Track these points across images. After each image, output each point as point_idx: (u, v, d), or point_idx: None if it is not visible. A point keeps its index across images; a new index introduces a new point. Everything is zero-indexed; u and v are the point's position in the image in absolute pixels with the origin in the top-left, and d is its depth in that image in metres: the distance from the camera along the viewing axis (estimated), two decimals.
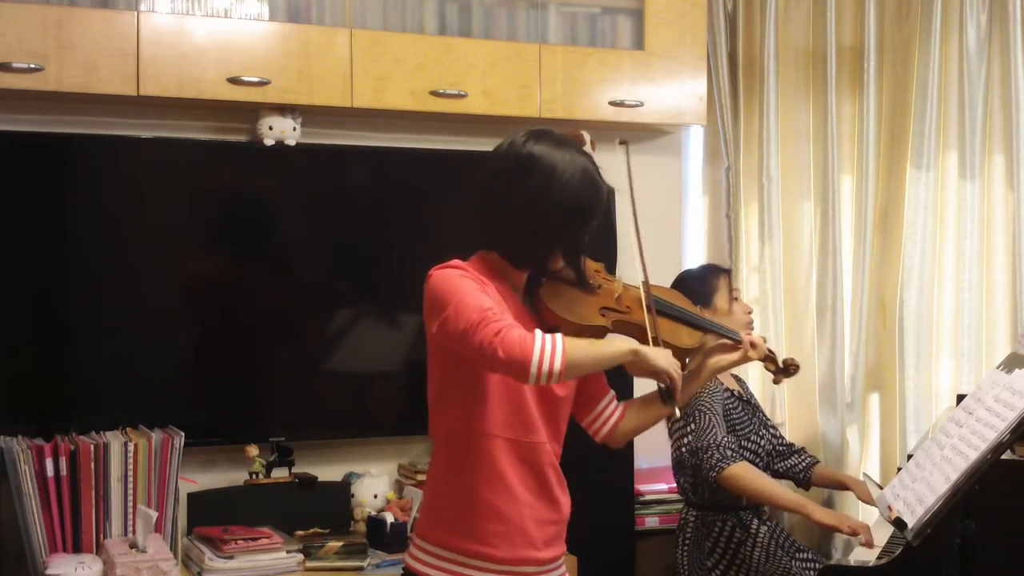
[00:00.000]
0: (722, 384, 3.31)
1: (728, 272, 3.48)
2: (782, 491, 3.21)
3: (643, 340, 2.27)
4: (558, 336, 2.03)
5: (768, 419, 3.48)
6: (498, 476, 2.16)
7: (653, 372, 2.17)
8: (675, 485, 3.78)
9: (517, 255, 2.22)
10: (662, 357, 2.17)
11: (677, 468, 3.34)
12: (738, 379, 3.51)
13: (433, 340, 2.15)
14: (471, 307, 2.03)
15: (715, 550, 3.23)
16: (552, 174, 2.16)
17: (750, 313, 3.45)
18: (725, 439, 3.15)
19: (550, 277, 2.27)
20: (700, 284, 3.40)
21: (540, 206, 2.15)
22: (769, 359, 2.55)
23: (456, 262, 2.18)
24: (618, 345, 2.13)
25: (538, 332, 2.02)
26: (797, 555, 3.25)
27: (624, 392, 3.51)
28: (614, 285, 2.36)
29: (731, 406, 3.30)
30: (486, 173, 2.21)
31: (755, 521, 3.25)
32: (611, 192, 3.68)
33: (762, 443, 3.35)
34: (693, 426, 3.20)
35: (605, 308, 2.31)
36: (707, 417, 3.19)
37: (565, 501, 2.28)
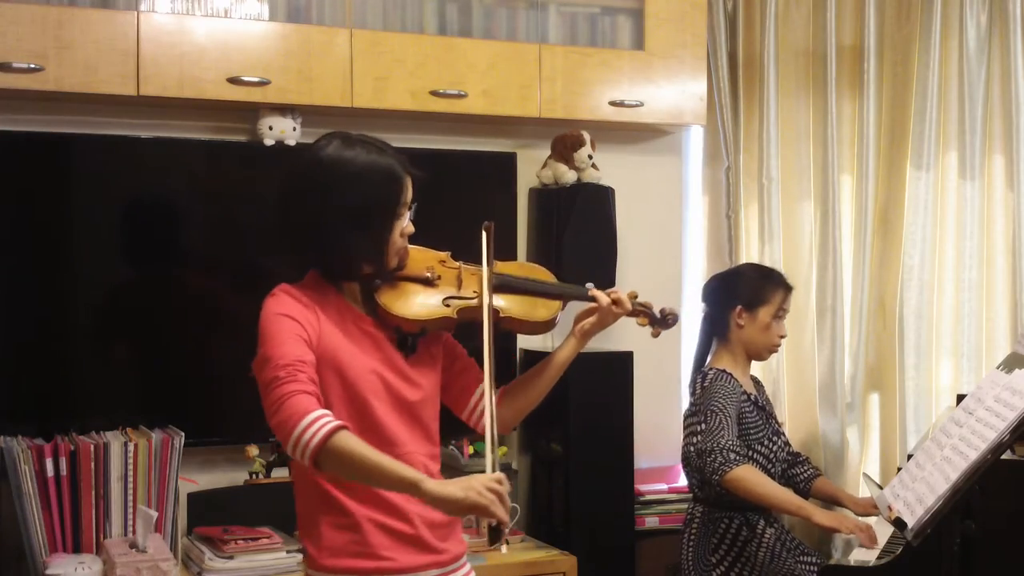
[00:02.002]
0: (740, 387, 3.29)
1: (790, 290, 3.42)
2: (784, 495, 3.20)
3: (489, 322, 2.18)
4: (335, 423, 1.94)
5: (779, 426, 3.46)
6: (373, 491, 2.09)
7: (458, 510, 1.94)
8: (675, 485, 3.80)
9: (326, 268, 2.16)
10: (458, 488, 1.91)
11: (686, 463, 3.32)
12: (756, 382, 3.48)
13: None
14: (270, 358, 2.01)
15: (720, 547, 3.23)
16: (339, 174, 2.10)
17: (783, 338, 3.40)
18: (731, 443, 3.13)
19: (381, 279, 2.18)
20: (757, 285, 3.38)
21: (330, 210, 2.09)
22: (642, 313, 2.43)
23: (284, 287, 2.13)
24: (408, 474, 1.93)
25: (317, 411, 1.95)
26: (802, 558, 3.25)
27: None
28: (456, 271, 2.28)
29: (746, 410, 3.27)
30: (284, 187, 2.16)
31: (761, 522, 3.25)
32: (611, 191, 3.71)
33: (773, 449, 3.33)
34: (704, 426, 3.18)
35: (449, 298, 2.24)
36: (718, 419, 3.16)
37: None
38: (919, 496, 2.57)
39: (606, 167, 3.76)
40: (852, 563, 2.92)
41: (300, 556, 3.11)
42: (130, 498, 3.01)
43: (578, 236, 3.60)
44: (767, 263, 4.05)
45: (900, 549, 2.81)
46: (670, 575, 3.67)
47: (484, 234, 2.29)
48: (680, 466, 4.01)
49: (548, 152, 3.72)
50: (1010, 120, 4.30)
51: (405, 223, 2.18)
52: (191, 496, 3.27)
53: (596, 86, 3.66)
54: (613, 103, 3.68)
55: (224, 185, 3.43)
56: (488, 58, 3.53)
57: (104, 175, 3.28)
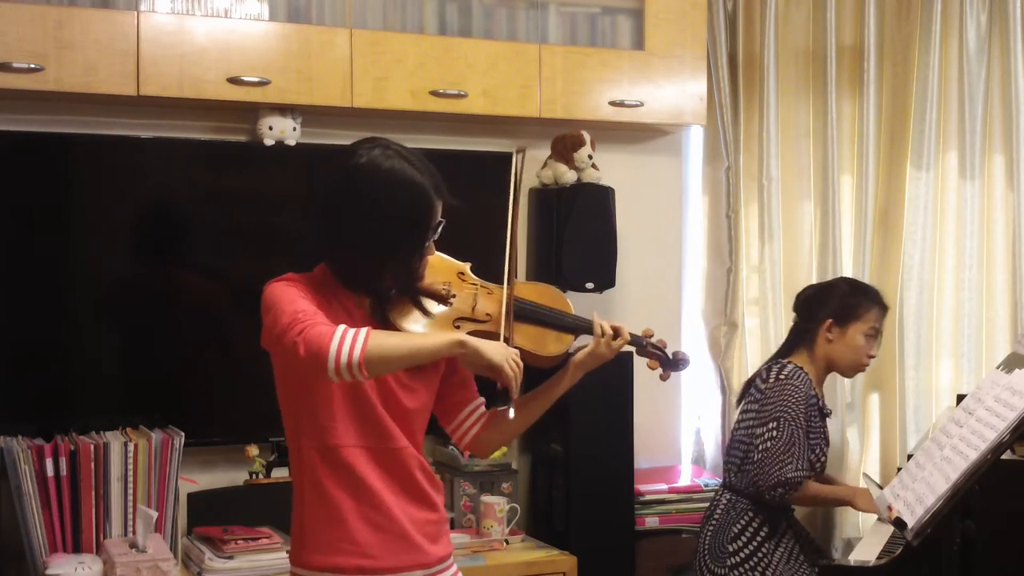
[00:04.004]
0: (813, 388, 3.29)
1: (885, 309, 3.40)
2: (831, 492, 3.35)
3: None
4: (365, 329, 1.97)
5: (828, 434, 3.43)
6: (363, 486, 2.10)
7: (487, 367, 2.05)
8: (675, 485, 3.79)
9: (345, 274, 2.14)
10: (497, 350, 2.05)
11: (733, 447, 3.35)
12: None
13: (274, 359, 2.12)
14: (285, 312, 2.00)
15: (739, 538, 3.25)
16: (373, 184, 2.07)
17: (872, 357, 3.37)
18: (799, 474, 3.15)
19: (396, 294, 2.16)
20: (852, 300, 3.36)
21: (361, 219, 2.07)
22: (653, 355, 2.37)
23: (289, 275, 2.13)
24: (442, 336, 2.04)
25: (342, 326, 1.96)
26: (820, 562, 3.25)
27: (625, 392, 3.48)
28: (473, 291, 2.23)
29: (813, 414, 3.27)
30: (322, 184, 2.16)
31: (784, 523, 3.28)
32: (611, 191, 3.71)
33: (823, 453, 3.34)
34: (775, 432, 3.18)
35: (460, 319, 2.20)
36: (790, 432, 3.17)
37: (440, 500, 2.22)
38: (919, 496, 2.57)
39: (606, 167, 3.76)
40: (852, 563, 2.92)
41: None
42: (130, 498, 3.01)
43: (578, 236, 3.60)
44: (767, 263, 4.06)
45: (900, 549, 2.81)
46: (670, 575, 3.66)
47: (517, 157, 2.22)
48: (679, 466, 4.03)
49: (548, 152, 3.72)
50: (1010, 120, 4.30)
51: (428, 244, 2.15)
52: (191, 496, 3.27)
53: (596, 86, 3.66)
54: (613, 103, 3.68)
55: (224, 185, 3.43)
56: (488, 58, 3.52)
57: (104, 175, 3.28)
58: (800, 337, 3.42)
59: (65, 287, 3.23)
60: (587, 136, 3.68)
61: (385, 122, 3.57)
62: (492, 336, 2.16)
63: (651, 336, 2.39)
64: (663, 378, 2.42)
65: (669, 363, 2.40)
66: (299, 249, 3.46)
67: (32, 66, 3.03)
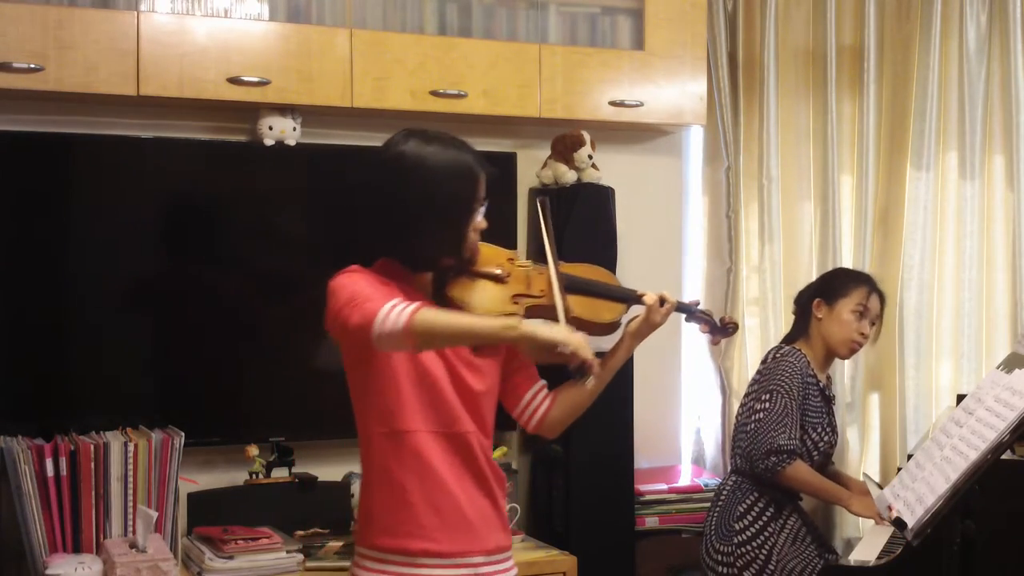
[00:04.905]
0: (812, 369, 3.36)
1: (874, 291, 3.45)
2: (826, 486, 3.35)
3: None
4: (417, 303, 2.03)
5: (835, 421, 3.48)
6: (430, 470, 2.16)
7: (548, 347, 2.09)
8: (675, 485, 3.80)
9: (408, 257, 2.22)
10: (553, 327, 2.13)
11: (738, 431, 3.41)
12: (829, 379, 3.52)
13: (341, 345, 2.19)
14: (350, 294, 2.06)
15: (745, 517, 3.28)
16: (421, 170, 2.16)
17: (864, 336, 3.43)
18: (790, 442, 3.23)
19: (454, 273, 2.25)
20: (840, 281, 3.48)
21: (414, 204, 2.16)
22: (703, 320, 2.50)
23: (358, 267, 2.19)
24: (496, 320, 2.10)
25: (395, 298, 2.03)
26: (823, 552, 3.30)
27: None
28: (525, 270, 2.34)
29: (811, 392, 3.34)
30: (365, 179, 2.24)
31: (789, 506, 3.32)
32: (611, 191, 3.71)
33: (821, 440, 3.37)
34: (768, 404, 3.27)
35: (518, 295, 2.30)
36: (783, 402, 3.26)
37: (501, 493, 2.28)
38: (919, 496, 2.57)
39: (606, 167, 3.76)
40: (852, 563, 2.92)
41: (300, 556, 3.11)
42: (130, 498, 3.01)
43: (578, 236, 3.60)
44: (767, 263, 4.07)
45: (900, 549, 2.81)
46: (670, 575, 3.67)
47: (540, 208, 2.35)
48: (679, 466, 4.03)
49: (548, 152, 3.72)
50: (1010, 120, 4.31)
51: (478, 218, 2.24)
52: (191, 496, 3.27)
53: (596, 86, 3.66)
54: (613, 103, 3.68)
55: (224, 185, 3.43)
56: (488, 58, 3.52)
57: (104, 175, 3.28)
58: (798, 327, 3.51)
59: (65, 287, 3.23)
60: (587, 136, 3.68)
61: (385, 122, 3.56)
62: (549, 310, 2.27)
63: (698, 304, 2.53)
64: (714, 343, 2.60)
65: (718, 329, 2.52)
66: (299, 249, 3.49)
67: (32, 66, 3.03)
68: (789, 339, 3.51)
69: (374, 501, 2.20)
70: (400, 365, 2.15)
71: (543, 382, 2.40)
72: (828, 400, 3.42)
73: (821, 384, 3.40)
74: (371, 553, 2.20)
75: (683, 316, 2.53)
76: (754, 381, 3.42)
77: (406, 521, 2.16)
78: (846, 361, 4.13)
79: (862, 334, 3.42)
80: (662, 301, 2.39)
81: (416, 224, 2.17)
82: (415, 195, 2.16)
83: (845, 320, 3.40)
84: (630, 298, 2.41)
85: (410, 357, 2.15)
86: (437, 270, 2.25)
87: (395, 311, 1.99)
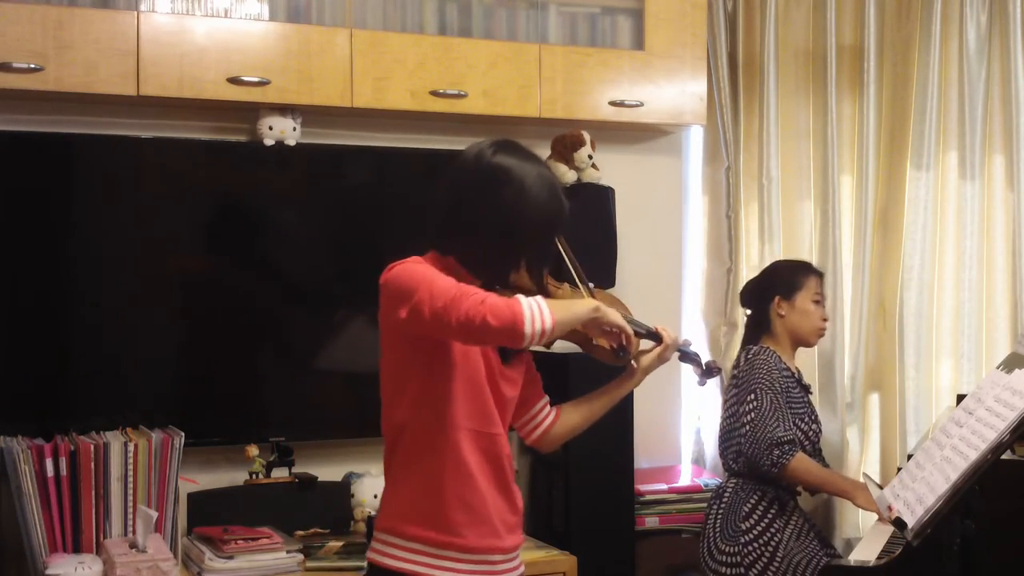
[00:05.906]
0: (784, 363, 3.43)
1: (821, 276, 3.59)
2: (833, 477, 3.39)
3: (590, 345, 2.34)
4: (537, 297, 2.06)
5: (815, 411, 3.55)
6: (463, 467, 2.18)
7: (610, 327, 2.19)
8: (675, 485, 3.80)
9: (479, 263, 2.21)
10: (617, 314, 2.21)
11: (725, 437, 3.44)
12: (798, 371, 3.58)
13: (392, 333, 2.17)
14: (444, 286, 2.05)
15: (751, 516, 3.30)
16: (522, 187, 2.17)
17: (825, 321, 3.54)
18: (786, 433, 3.27)
19: (505, 287, 2.25)
20: (789, 275, 3.54)
21: (510, 218, 2.17)
22: (694, 362, 2.54)
23: (415, 258, 2.19)
24: (583, 304, 2.16)
25: (519, 295, 2.05)
26: (822, 546, 3.33)
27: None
28: (564, 291, 2.41)
29: (790, 385, 3.40)
30: (452, 181, 2.23)
31: (792, 502, 3.35)
32: (611, 191, 3.71)
33: (810, 429, 3.43)
34: (755, 404, 3.30)
35: None
36: (768, 398, 3.30)
37: (518, 494, 2.32)
38: (919, 496, 2.57)
39: (606, 167, 3.76)
40: (852, 563, 2.92)
41: (300, 556, 3.11)
42: (130, 498, 3.01)
43: (578, 236, 3.59)
44: (767, 263, 4.05)
45: (900, 549, 2.81)
46: (670, 575, 3.67)
47: (559, 245, 2.35)
48: (679, 466, 4.03)
49: (548, 152, 3.72)
50: (1010, 120, 4.30)
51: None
52: (191, 496, 3.27)
53: (596, 86, 3.66)
54: (613, 103, 3.68)
55: (224, 185, 3.43)
56: (488, 58, 3.53)
57: (104, 175, 3.28)
58: (757, 325, 3.57)
59: (65, 287, 3.23)
60: (587, 136, 3.68)
61: (385, 122, 3.58)
62: (582, 335, 2.33)
63: (689, 345, 2.56)
64: (700, 384, 2.58)
65: (704, 372, 2.55)
66: (299, 249, 3.49)
67: (32, 66, 3.03)
68: (750, 337, 3.57)
69: (404, 490, 2.21)
70: (459, 362, 2.17)
71: (547, 398, 2.45)
72: (805, 389, 3.51)
73: (797, 374, 3.49)
74: (395, 540, 2.19)
75: (677, 354, 2.54)
76: (732, 385, 3.46)
77: (436, 513, 2.17)
78: (846, 361, 4.14)
79: (824, 319, 3.53)
80: (673, 341, 2.44)
81: (506, 237, 2.18)
82: (515, 210, 2.16)
83: (809, 310, 3.49)
84: (650, 334, 2.44)
85: (466, 356, 2.17)
86: (505, 284, 2.24)
87: (536, 311, 2.01)
